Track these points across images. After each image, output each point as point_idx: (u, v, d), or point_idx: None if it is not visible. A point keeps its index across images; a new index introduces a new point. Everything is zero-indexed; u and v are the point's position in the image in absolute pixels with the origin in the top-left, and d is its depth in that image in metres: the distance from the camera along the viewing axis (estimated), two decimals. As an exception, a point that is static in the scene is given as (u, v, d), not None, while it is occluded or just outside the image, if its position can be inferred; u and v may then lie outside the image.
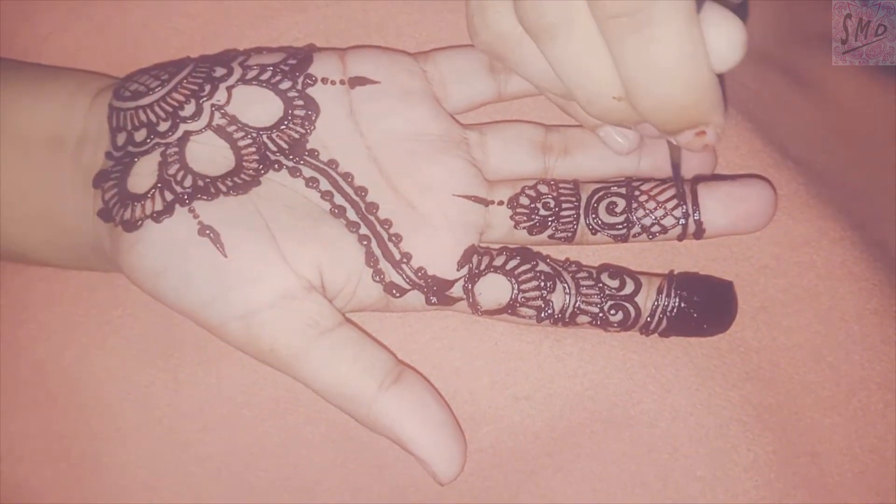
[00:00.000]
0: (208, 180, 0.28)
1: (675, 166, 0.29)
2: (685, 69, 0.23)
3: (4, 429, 0.32)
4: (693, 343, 0.31)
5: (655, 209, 0.29)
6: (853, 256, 0.32)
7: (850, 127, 0.37)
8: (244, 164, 0.28)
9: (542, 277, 0.28)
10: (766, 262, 0.32)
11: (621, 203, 0.29)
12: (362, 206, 0.29)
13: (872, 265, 0.32)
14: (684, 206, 0.29)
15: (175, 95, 0.28)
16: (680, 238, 0.29)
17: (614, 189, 0.29)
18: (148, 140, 0.28)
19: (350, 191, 0.29)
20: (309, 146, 0.29)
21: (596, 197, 0.29)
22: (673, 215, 0.29)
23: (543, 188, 0.30)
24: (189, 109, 0.28)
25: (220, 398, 0.31)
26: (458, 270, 0.29)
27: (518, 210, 0.29)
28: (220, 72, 0.29)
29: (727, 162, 0.32)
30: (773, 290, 0.31)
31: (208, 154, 0.28)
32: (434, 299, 0.28)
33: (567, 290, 0.28)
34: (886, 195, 0.36)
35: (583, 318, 0.28)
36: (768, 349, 0.31)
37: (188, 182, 0.27)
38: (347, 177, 0.29)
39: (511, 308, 0.28)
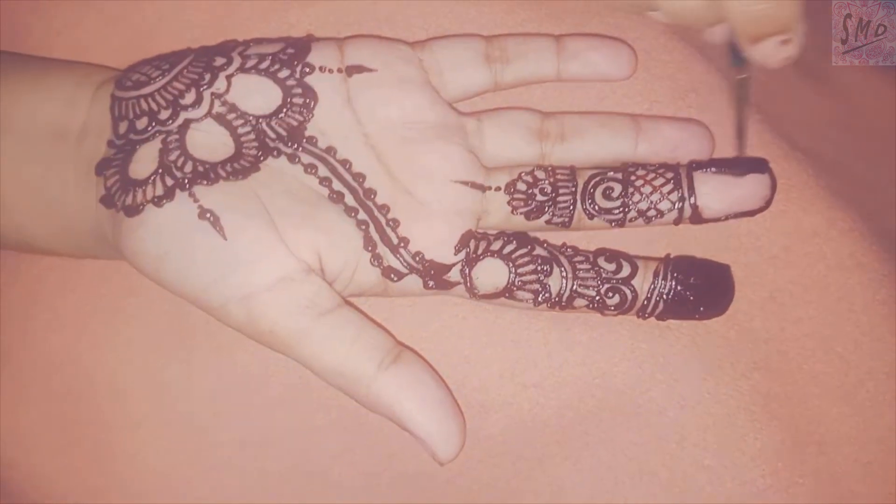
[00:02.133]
0: (208, 166, 0.28)
1: (741, 117, 0.29)
2: None
3: (20, 417, 0.33)
4: (701, 332, 0.31)
5: (651, 193, 0.29)
6: (862, 247, 0.32)
7: (860, 118, 0.37)
8: (243, 150, 0.29)
9: (539, 261, 0.28)
10: (775, 252, 0.32)
11: (618, 188, 0.29)
12: (360, 191, 0.29)
13: (881, 256, 0.32)
14: (680, 191, 0.29)
15: (176, 84, 0.29)
16: (676, 222, 0.29)
17: (611, 174, 0.29)
18: (149, 128, 0.28)
19: (348, 177, 0.29)
20: (307, 133, 0.29)
21: (592, 182, 0.29)
22: (669, 199, 0.29)
23: (540, 174, 0.30)
24: (189, 98, 0.28)
25: (233, 385, 0.31)
26: (455, 255, 0.29)
27: (515, 195, 0.30)
28: (219, 61, 0.29)
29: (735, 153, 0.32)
30: (782, 281, 0.31)
31: (208, 141, 0.28)
32: (431, 283, 0.29)
33: (564, 274, 0.28)
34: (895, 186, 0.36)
35: (580, 302, 0.28)
36: (777, 339, 0.31)
37: (188, 168, 0.28)
38: (345, 163, 0.29)
39: (508, 292, 0.29)
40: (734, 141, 0.30)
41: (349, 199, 0.29)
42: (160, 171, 0.28)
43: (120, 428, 0.32)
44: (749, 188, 0.29)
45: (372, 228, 0.29)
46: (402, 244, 0.29)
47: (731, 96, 0.29)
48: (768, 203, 0.29)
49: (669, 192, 0.29)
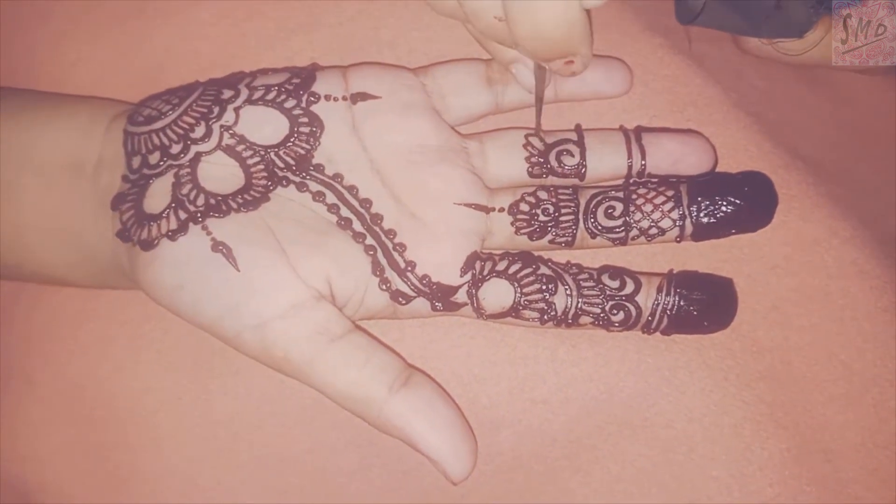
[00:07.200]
0: (220, 198, 0.29)
1: (538, 99, 0.30)
2: (557, 5, 0.25)
3: (46, 440, 0.34)
4: (706, 344, 0.31)
5: (653, 212, 0.29)
6: (864, 255, 0.32)
7: (862, 122, 0.37)
8: (253, 181, 0.29)
9: (544, 280, 0.29)
10: (776, 262, 0.32)
11: (619, 207, 0.30)
12: (367, 217, 0.30)
13: (883, 262, 0.32)
14: (681, 208, 0.29)
15: (186, 118, 0.29)
16: (678, 239, 0.30)
17: (612, 193, 0.30)
18: (161, 162, 0.29)
19: (355, 203, 0.30)
20: (315, 161, 0.30)
21: (594, 202, 0.30)
22: (670, 217, 0.29)
23: (543, 194, 0.30)
24: (199, 131, 0.29)
25: (249, 407, 0.32)
26: (461, 276, 0.29)
27: (518, 216, 0.30)
28: (227, 94, 0.30)
29: (737, 164, 0.33)
30: (785, 290, 0.32)
31: (219, 173, 0.29)
32: (439, 305, 0.29)
33: (569, 292, 0.29)
34: (899, 189, 0.36)
35: (585, 319, 0.29)
36: (781, 348, 0.31)
37: (201, 201, 0.29)
38: (352, 189, 0.30)
39: (515, 311, 0.29)
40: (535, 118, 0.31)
41: (357, 225, 0.30)
42: (173, 205, 0.28)
43: (143, 450, 0.32)
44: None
45: (379, 253, 0.29)
46: (409, 268, 0.29)
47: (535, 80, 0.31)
48: (770, 218, 0.30)
49: (670, 210, 0.29)
